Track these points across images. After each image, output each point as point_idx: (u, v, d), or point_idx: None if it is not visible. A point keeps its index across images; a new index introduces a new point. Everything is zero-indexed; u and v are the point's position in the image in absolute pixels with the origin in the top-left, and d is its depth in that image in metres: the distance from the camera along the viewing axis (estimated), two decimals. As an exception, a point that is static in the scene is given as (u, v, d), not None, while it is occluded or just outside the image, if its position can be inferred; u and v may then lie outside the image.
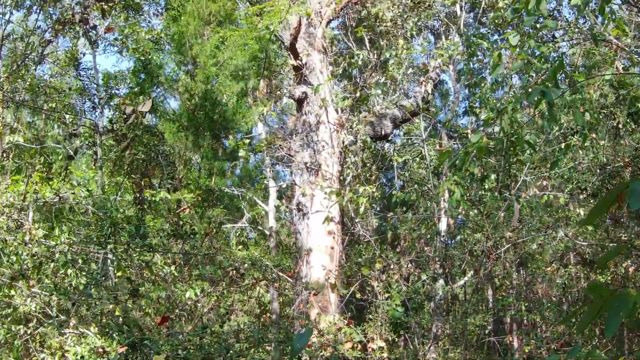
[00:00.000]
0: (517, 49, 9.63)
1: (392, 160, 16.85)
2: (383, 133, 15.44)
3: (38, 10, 16.65)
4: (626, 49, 12.69)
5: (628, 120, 15.01)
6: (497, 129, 8.71)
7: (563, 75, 13.35)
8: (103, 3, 13.78)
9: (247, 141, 15.15)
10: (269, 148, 16.22)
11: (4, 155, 16.66)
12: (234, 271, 12.72)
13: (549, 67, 10.08)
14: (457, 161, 8.01)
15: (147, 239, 11.14)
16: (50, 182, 13.20)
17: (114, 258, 11.47)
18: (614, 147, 15.62)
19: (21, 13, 17.39)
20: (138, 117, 10.16)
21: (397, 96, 16.55)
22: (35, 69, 17.50)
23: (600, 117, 15.14)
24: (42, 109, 15.88)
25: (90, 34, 15.35)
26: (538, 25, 11.27)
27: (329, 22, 16.82)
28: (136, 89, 16.87)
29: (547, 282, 19.20)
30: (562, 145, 14.11)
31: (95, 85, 16.20)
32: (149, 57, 16.49)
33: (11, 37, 17.76)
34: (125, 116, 10.41)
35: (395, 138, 19.71)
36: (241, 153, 14.94)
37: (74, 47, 18.53)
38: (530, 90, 13.91)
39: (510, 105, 7.82)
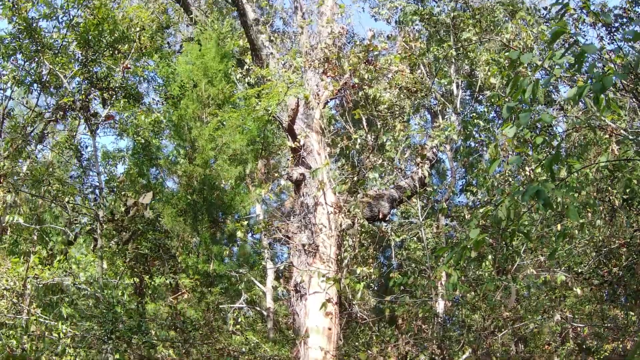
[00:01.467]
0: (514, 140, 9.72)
1: (390, 239, 16.88)
2: (380, 214, 15.49)
3: (38, 92, 16.84)
4: (623, 132, 12.81)
5: (624, 203, 15.06)
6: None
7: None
8: (104, 91, 13.97)
9: (245, 223, 15.20)
10: (267, 230, 16.26)
11: (3, 231, 16.70)
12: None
13: (545, 156, 10.19)
14: (454, 257, 8.10)
15: (148, 334, 11.13)
16: (48, 267, 13.21)
17: (115, 350, 11.43)
18: (609, 227, 15.64)
19: (22, 89, 17.51)
20: (139, 209, 10.21)
21: (394, 175, 16.63)
22: (35, 148, 17.62)
23: (596, 195, 15.19)
24: (43, 196, 15.95)
25: (90, 121, 15.49)
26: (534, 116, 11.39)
27: (326, 103, 16.98)
28: (135, 170, 17.00)
29: (545, 359, 19.14)
30: (558, 227, 14.17)
31: (96, 174, 16.29)
32: (149, 139, 16.64)
33: (11, 113, 17.90)
34: (126, 207, 10.46)
35: (392, 217, 19.75)
36: (239, 234, 14.97)
37: (74, 131, 18.68)
38: (525, 175, 14.01)
39: (507, 200, 7.89)
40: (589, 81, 7.12)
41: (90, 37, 15.89)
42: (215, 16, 20.52)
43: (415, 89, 16.68)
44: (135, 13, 16.48)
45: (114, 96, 15.74)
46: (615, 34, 18.36)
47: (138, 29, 16.39)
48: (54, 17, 16.21)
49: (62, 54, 16.03)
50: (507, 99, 8.75)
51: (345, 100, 17.75)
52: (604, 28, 15.52)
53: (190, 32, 21.48)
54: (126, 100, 16.36)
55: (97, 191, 15.16)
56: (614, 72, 7.09)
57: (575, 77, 13.14)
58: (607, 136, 13.49)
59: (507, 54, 16.32)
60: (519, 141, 12.89)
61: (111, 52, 16.16)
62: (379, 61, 17.09)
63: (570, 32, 10.85)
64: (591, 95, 7.00)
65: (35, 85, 16.86)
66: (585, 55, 7.24)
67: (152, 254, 13.46)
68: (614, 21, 18.30)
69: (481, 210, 8.81)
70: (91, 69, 16.08)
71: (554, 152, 8.94)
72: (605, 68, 7.48)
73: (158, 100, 18.09)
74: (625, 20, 18.23)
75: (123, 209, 11.35)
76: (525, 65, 11.92)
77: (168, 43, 19.96)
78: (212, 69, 16.62)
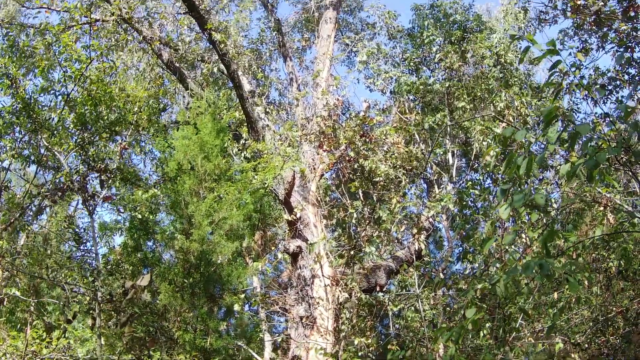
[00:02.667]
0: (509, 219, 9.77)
1: (388, 308, 16.85)
2: (377, 285, 15.49)
3: (36, 169, 16.88)
4: (617, 202, 12.88)
5: (620, 274, 15.10)
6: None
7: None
8: (101, 173, 14.06)
9: (242, 296, 15.14)
10: (264, 302, 16.24)
11: (0, 303, 16.67)
12: None
13: (541, 232, 10.24)
14: (453, 335, 8.12)
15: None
16: (47, 342, 13.16)
17: None
18: (605, 293, 15.64)
19: (19, 161, 17.54)
20: (137, 292, 10.23)
21: (391, 246, 16.66)
22: (33, 221, 17.64)
23: (592, 262, 15.22)
24: (42, 277, 15.94)
25: (88, 202, 15.56)
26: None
27: (322, 176, 17.06)
28: (131, 244, 17.00)
29: None
30: (555, 296, 14.19)
31: (94, 255, 16.32)
32: (146, 215, 16.66)
33: (9, 185, 17.93)
34: (124, 289, 10.49)
35: (390, 286, 19.74)
36: (236, 307, 14.91)
37: (70, 206, 18.76)
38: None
39: (504, 279, 7.91)
40: (582, 156, 7.12)
41: (87, 119, 15.99)
42: (211, 89, 20.61)
43: (410, 166, 16.77)
44: (133, 92, 16.61)
45: (112, 178, 15.84)
46: (609, 97, 18.57)
47: (136, 108, 16.50)
48: (51, 91, 16.30)
49: (59, 128, 16.09)
50: (501, 176, 8.83)
51: (341, 172, 17.80)
52: (597, 92, 15.68)
53: (187, 103, 21.54)
54: (123, 182, 16.49)
55: (95, 273, 15.17)
56: (608, 146, 7.11)
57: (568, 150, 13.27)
58: (601, 208, 13.56)
59: (502, 125, 16.47)
60: (516, 211, 12.97)
61: (109, 134, 16.25)
62: (375, 132, 17.15)
63: (564, 110, 10.99)
64: (585, 166, 6.98)
65: (32, 157, 16.90)
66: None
67: (150, 336, 13.44)
68: (608, 84, 18.52)
69: (479, 285, 8.84)
70: (88, 150, 16.16)
71: (549, 222, 8.99)
72: (599, 142, 7.49)
73: (155, 176, 18.22)
74: (618, 83, 18.46)
75: (121, 291, 11.38)
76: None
77: (165, 125, 20.13)
78: (208, 144, 16.68)
